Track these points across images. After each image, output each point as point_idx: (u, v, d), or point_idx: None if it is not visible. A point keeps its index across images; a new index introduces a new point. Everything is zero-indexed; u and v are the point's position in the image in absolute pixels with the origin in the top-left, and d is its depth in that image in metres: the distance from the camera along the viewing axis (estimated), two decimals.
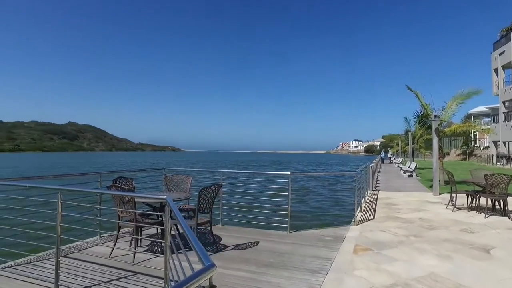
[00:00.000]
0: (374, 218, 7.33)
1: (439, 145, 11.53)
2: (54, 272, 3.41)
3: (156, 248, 4.87)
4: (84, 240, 5.20)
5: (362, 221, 6.99)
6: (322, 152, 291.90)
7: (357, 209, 7.24)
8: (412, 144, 25.32)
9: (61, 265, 3.46)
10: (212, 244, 5.10)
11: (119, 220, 4.63)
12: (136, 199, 3.85)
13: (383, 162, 36.41)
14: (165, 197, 2.79)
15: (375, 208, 8.67)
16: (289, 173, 6.27)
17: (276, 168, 47.40)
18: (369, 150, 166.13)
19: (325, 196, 15.36)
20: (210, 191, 4.71)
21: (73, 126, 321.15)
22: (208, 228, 5.81)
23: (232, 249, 5.01)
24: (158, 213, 4.57)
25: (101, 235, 5.63)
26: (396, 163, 32.67)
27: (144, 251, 4.91)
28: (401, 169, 22.04)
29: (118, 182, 5.52)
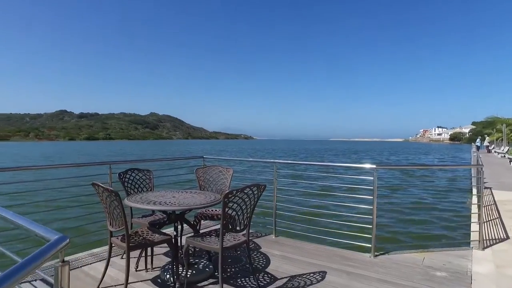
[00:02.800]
0: (509, 237, 4.77)
1: None
2: None
3: (168, 276, 3.25)
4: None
5: (491, 241, 4.53)
6: (400, 140, 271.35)
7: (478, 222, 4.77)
8: None
9: None
10: (251, 274, 3.27)
11: (110, 233, 3.10)
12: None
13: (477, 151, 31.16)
14: (57, 237, 1.04)
15: (500, 217, 6.00)
16: (374, 166, 4.12)
17: (351, 158, 42.69)
18: (455, 138, 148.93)
19: (423, 198, 11.72)
20: (243, 197, 2.85)
21: (154, 117, 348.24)
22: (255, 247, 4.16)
23: (281, 286, 3.14)
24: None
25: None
26: (499, 152, 27.18)
27: (152, 278, 3.34)
28: (511, 161, 17.69)
29: (128, 176, 4.04)
